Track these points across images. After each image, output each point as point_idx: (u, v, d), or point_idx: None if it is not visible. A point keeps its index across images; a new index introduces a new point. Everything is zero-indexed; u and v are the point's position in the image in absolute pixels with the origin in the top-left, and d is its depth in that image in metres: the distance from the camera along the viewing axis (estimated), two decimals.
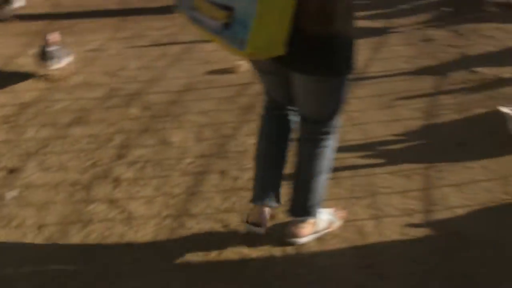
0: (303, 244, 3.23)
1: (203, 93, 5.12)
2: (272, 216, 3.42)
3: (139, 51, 6.10)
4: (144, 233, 3.41)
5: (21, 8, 7.28)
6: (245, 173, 3.91)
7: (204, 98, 5.03)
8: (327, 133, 3.01)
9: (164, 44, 6.25)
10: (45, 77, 5.54)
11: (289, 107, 3.12)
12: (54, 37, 5.41)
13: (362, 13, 6.62)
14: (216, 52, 5.79)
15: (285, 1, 2.37)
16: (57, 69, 5.50)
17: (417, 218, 3.42)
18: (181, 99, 5.05)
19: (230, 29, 2.38)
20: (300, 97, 2.89)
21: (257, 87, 5.10)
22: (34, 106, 5.07)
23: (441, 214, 3.45)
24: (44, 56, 5.42)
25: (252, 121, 4.52)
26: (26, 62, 5.91)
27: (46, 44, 5.41)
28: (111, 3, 7.70)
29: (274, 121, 3.19)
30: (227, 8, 2.39)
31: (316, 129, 3.01)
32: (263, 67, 2.94)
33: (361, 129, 4.39)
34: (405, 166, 3.91)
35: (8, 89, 5.42)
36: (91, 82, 5.49)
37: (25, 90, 5.37)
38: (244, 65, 5.43)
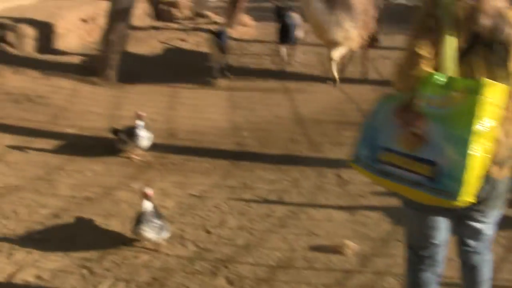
0: None
1: (300, 275, 4.53)
2: None
3: (242, 206, 5.65)
4: None
5: None
6: None
7: (299, 281, 4.45)
8: (488, 247, 3.36)
9: (270, 202, 5.74)
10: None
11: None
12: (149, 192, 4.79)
13: None
14: (324, 223, 5.31)
15: (485, 154, 2.66)
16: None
17: None
18: (274, 277, 4.49)
19: (435, 182, 2.62)
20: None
21: (363, 278, 4.50)
22: (119, 254, 4.70)
23: None
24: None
25: None
26: (127, 196, 5.68)
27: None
28: (227, 142, 7.38)
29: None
30: (429, 162, 2.65)
31: (479, 245, 3.33)
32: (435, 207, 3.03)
33: None
34: None
35: None
36: (182, 236, 5.05)
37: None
38: (352, 246, 4.84)
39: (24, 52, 10.59)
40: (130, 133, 6.46)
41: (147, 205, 4.66)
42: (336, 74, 9.60)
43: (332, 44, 9.25)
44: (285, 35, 10.81)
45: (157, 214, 4.75)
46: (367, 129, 2.94)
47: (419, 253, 3.36)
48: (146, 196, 4.66)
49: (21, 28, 10.85)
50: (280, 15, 11.03)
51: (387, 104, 2.93)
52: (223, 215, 5.45)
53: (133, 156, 6.59)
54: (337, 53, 9.37)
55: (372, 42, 10.28)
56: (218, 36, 9.72)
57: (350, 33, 9.18)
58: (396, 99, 2.90)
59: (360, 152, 2.93)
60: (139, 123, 6.39)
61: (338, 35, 9.11)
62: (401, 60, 2.96)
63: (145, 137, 6.45)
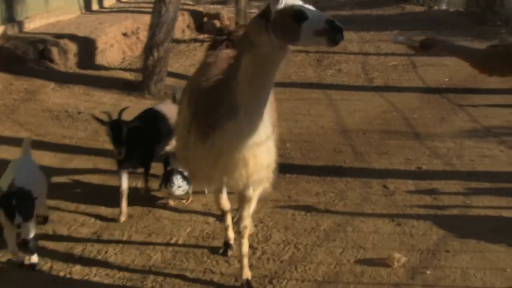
0: None
1: None
2: None
3: (287, 220, 5.60)
4: None
5: None
6: None
7: None
8: None
9: (316, 215, 5.69)
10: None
11: None
12: None
13: None
14: (371, 235, 5.25)
15: None
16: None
17: None
18: None
19: None
20: None
21: None
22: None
23: None
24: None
25: None
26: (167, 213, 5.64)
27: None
28: None
29: None
30: None
31: None
32: None
33: None
34: None
35: None
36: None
37: None
38: (401, 258, 4.76)
39: (66, 68, 10.70)
40: (166, 177, 5.70)
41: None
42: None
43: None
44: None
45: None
46: None
47: None
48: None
49: (63, 43, 10.97)
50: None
51: None
52: (268, 230, 5.42)
53: (170, 203, 5.97)
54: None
55: None
56: None
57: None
58: None
59: None
60: (176, 167, 5.63)
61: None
62: None
63: (179, 186, 5.62)
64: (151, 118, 6.03)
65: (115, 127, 5.48)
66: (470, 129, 8.18)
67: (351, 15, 19.29)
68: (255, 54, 3.58)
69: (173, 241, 5.24)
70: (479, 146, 7.47)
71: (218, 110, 3.85)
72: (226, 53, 4.61)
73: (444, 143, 7.58)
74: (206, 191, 5.99)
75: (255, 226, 5.43)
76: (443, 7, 20.42)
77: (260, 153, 4.08)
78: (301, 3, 3.48)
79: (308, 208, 5.82)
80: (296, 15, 3.37)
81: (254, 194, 4.40)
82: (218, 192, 4.86)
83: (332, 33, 3.31)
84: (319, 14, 3.43)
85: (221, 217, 5.15)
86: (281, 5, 3.42)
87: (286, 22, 3.40)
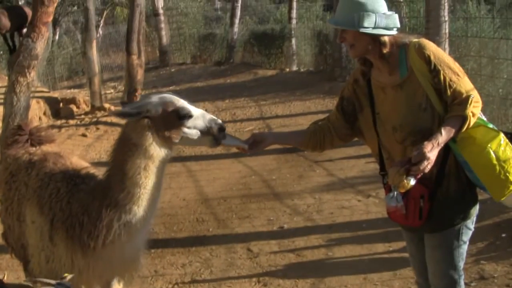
0: None
1: None
2: None
3: None
4: None
5: None
6: None
7: None
8: None
9: (184, 284, 5.83)
10: None
11: None
12: None
13: None
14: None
15: None
16: None
17: None
18: None
19: None
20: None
21: None
22: None
23: None
24: None
25: None
26: None
27: None
28: None
29: None
30: None
31: None
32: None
33: None
34: None
35: None
36: None
37: None
38: None
39: None
40: None
41: None
42: None
43: None
44: None
45: None
46: None
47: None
48: None
49: None
50: None
51: None
52: None
53: None
54: None
55: None
56: None
57: None
58: None
59: None
60: None
61: None
62: None
63: None
64: None
65: None
66: (328, 183, 8.58)
67: (205, 86, 19.72)
68: (140, 155, 3.48)
69: None
70: (337, 199, 7.86)
71: (105, 225, 3.58)
72: (43, 151, 4.40)
73: (304, 200, 7.92)
74: None
75: None
76: (294, 68, 21.24)
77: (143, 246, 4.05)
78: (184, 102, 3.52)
79: (175, 281, 5.95)
80: (179, 113, 3.46)
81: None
82: None
83: (216, 131, 3.52)
84: (203, 113, 3.56)
85: None
86: (163, 103, 3.47)
87: (169, 120, 3.46)
